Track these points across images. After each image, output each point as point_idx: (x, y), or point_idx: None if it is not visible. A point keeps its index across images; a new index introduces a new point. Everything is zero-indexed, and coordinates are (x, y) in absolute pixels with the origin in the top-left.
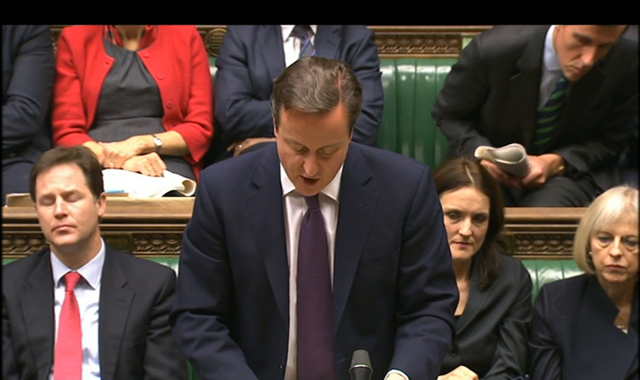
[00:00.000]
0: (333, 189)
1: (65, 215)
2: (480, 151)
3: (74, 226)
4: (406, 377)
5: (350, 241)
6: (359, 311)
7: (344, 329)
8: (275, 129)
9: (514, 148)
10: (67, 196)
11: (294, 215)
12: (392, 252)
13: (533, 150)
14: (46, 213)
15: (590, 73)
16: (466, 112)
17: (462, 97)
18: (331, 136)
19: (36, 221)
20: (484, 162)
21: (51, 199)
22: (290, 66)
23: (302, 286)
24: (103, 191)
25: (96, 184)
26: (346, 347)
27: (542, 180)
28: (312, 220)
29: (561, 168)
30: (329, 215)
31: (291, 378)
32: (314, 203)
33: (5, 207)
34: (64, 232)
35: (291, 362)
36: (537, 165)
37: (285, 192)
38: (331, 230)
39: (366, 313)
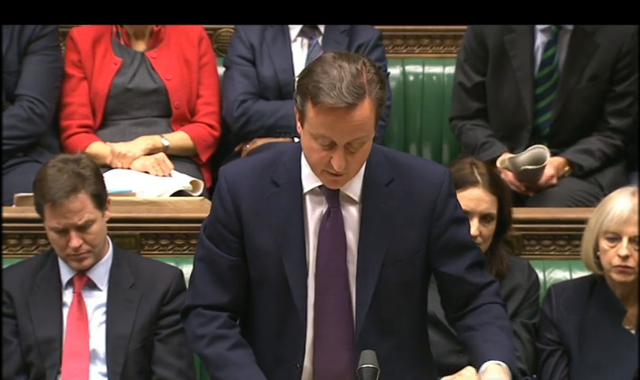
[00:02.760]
0: (354, 189)
1: (80, 246)
2: (501, 161)
3: (89, 251)
4: (505, 365)
5: (373, 242)
6: (380, 313)
7: (366, 331)
8: (299, 125)
9: (535, 150)
10: (80, 227)
11: (314, 214)
12: (414, 254)
13: (537, 130)
14: (59, 241)
15: (583, 40)
16: (479, 97)
17: (467, 79)
18: (359, 130)
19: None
20: (504, 173)
21: (63, 232)
22: (313, 62)
23: (320, 285)
24: (107, 196)
25: (102, 200)
26: (367, 349)
27: (554, 180)
28: (332, 219)
29: (566, 168)
30: (350, 216)
31: (308, 378)
32: (334, 202)
33: (13, 206)
34: (81, 259)
35: (307, 362)
36: (548, 166)
37: (305, 190)
38: (352, 231)
39: (387, 315)
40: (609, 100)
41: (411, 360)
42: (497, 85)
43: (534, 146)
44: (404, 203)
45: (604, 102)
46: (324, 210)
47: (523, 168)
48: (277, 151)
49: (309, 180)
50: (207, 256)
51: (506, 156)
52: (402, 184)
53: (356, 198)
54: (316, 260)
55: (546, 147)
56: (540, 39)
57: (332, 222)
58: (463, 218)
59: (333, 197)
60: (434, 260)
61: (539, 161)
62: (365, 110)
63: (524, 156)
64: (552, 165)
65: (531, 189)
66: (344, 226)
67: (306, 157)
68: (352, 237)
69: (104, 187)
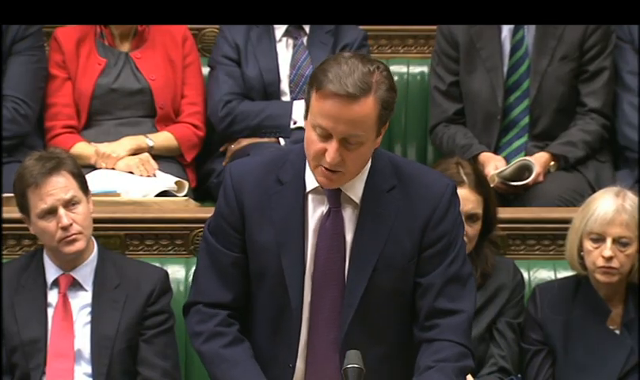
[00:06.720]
0: (356, 192)
1: (71, 225)
2: (491, 179)
3: (80, 233)
4: None
5: (367, 246)
6: (368, 317)
7: (352, 335)
8: (304, 117)
9: (520, 163)
10: (67, 205)
11: (314, 213)
12: (407, 263)
13: (515, 121)
14: (49, 227)
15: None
16: (455, 97)
17: (441, 82)
18: (357, 125)
19: None
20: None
21: (52, 212)
22: (331, 56)
23: (316, 285)
24: (87, 184)
25: (85, 185)
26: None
27: (541, 178)
28: (332, 219)
29: (552, 163)
30: (349, 217)
31: (300, 378)
32: (335, 203)
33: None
34: (73, 241)
35: (300, 362)
36: (535, 164)
37: (308, 189)
38: (349, 233)
39: (375, 321)
40: (583, 81)
41: (400, 372)
42: (469, 80)
43: (520, 159)
44: (402, 211)
45: (579, 84)
46: (325, 210)
47: (510, 183)
48: (286, 149)
49: (312, 179)
50: (209, 252)
51: (494, 173)
52: (403, 192)
53: (357, 200)
54: (314, 260)
55: (531, 160)
56: (506, 26)
57: (332, 223)
58: (458, 240)
59: (334, 197)
60: (418, 268)
61: (524, 171)
62: (367, 107)
63: (508, 169)
64: (538, 162)
65: (521, 188)
66: (344, 227)
67: (305, 150)
68: (350, 239)
69: (83, 174)
